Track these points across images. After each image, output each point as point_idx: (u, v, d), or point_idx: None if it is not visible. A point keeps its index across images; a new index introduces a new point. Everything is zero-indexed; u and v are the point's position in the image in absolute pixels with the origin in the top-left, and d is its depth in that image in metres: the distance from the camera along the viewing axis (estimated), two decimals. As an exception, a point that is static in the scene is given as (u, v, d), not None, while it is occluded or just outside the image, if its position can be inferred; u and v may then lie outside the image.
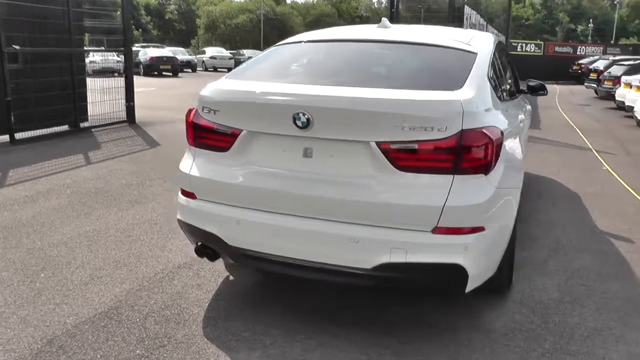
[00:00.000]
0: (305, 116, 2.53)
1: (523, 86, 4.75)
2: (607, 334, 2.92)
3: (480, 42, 3.34)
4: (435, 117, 2.47)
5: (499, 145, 2.63)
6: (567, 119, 12.56)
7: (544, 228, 4.61)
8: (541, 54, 32.48)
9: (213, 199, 2.84)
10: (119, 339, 2.72)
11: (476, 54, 3.08)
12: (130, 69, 9.66)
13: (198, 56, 35.77)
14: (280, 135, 2.68)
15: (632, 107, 10.26)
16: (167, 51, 27.90)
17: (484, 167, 2.55)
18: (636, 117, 9.45)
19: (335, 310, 3.07)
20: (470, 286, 2.64)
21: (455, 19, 13.62)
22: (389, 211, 2.51)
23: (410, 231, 2.51)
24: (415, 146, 2.48)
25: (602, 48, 33.99)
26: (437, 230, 2.50)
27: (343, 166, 2.61)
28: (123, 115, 9.63)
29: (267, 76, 3.03)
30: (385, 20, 3.62)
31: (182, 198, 3.00)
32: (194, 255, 3.74)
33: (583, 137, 9.83)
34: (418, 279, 2.61)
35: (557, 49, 34.18)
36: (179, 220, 3.04)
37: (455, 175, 2.50)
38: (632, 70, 14.28)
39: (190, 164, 2.95)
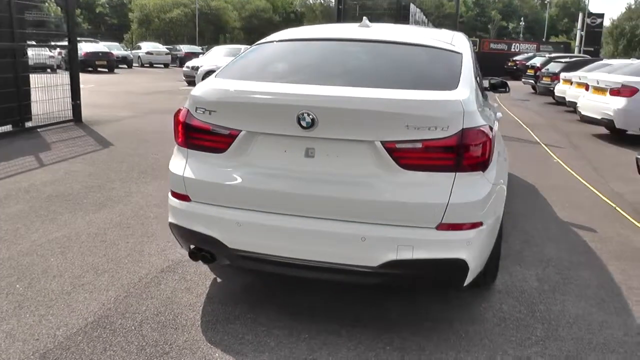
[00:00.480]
0: (310, 116, 2.52)
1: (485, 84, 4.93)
2: (589, 319, 3.09)
3: (461, 42, 3.43)
4: (438, 117, 2.53)
5: (492, 143, 2.72)
6: (511, 114, 13.10)
7: (512, 220, 4.80)
8: (477, 50, 33.65)
9: (210, 201, 2.78)
10: (118, 348, 2.61)
11: (461, 54, 3.16)
12: (76, 65, 9.24)
13: (134, 51, 34.63)
14: (281, 135, 2.66)
15: (574, 103, 10.84)
16: (102, 46, 26.81)
17: (482, 164, 2.63)
18: (579, 112, 9.99)
19: (333, 309, 3.08)
20: (468, 279, 2.73)
21: (401, 17, 13.86)
22: (394, 209, 2.55)
23: (415, 228, 2.56)
24: (420, 145, 2.53)
25: (535, 45, 35.63)
26: (440, 226, 2.56)
27: (346, 166, 2.62)
28: (69, 114, 9.19)
29: (262, 76, 2.98)
30: (365, 19, 3.65)
31: (174, 200, 2.91)
32: (175, 258, 3.71)
33: (530, 131, 10.29)
34: (423, 274, 2.66)
35: (492, 45, 35.49)
36: (171, 224, 2.95)
37: (457, 173, 2.57)
38: (570, 67, 15.06)
39: (183, 165, 2.86)
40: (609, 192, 5.89)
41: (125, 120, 9.97)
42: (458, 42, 3.41)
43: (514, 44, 36.31)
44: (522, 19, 77.18)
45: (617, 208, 5.30)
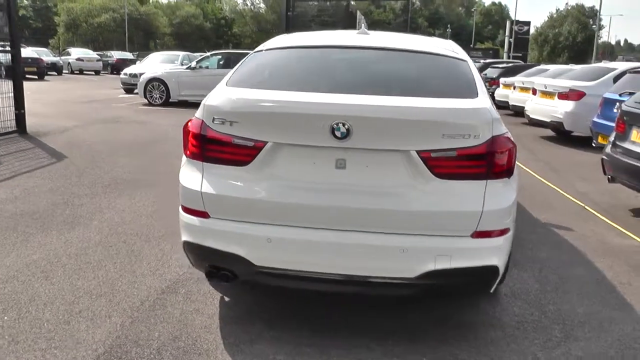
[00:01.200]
0: (346, 126, 2.44)
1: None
2: (598, 317, 3.19)
3: (460, 50, 3.47)
4: (471, 125, 2.52)
5: (516, 150, 2.75)
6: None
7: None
8: None
9: (234, 217, 2.63)
10: (143, 380, 2.41)
11: (466, 61, 3.19)
12: (19, 72, 8.62)
13: (63, 58, 32.96)
14: (311, 146, 2.56)
15: (519, 107, 11.34)
16: (30, 52, 25.29)
17: (508, 171, 2.65)
18: (527, 116, 10.45)
19: (354, 323, 3.00)
20: (496, 284, 2.74)
21: (349, 24, 14.01)
22: (432, 219, 2.52)
23: (452, 237, 2.54)
24: (454, 154, 2.51)
25: (465, 52, 37.05)
26: (475, 234, 2.55)
27: (379, 176, 2.56)
28: (11, 124, 8.56)
29: (281, 84, 2.84)
30: (364, 27, 3.62)
31: (188, 217, 2.74)
32: (171, 277, 3.51)
33: (481, 134, 10.63)
34: (458, 283, 2.64)
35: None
36: (186, 243, 2.76)
37: (487, 181, 2.57)
38: (507, 72, 15.78)
39: (199, 179, 2.70)
40: (575, 192, 6.17)
41: (71, 131, 9.42)
42: (457, 49, 3.44)
43: (445, 50, 37.51)
44: (448, 26, 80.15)
45: (586, 207, 5.56)
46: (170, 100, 13.81)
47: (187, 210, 2.74)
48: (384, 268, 2.54)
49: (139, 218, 4.71)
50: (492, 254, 2.60)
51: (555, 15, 59.77)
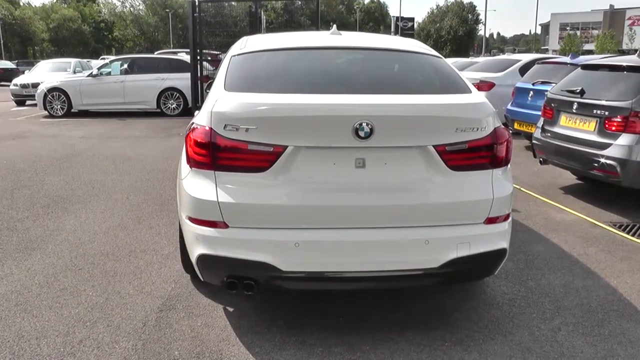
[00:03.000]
0: (369, 126, 2.49)
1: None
2: (575, 286, 3.53)
3: (428, 47, 3.65)
4: (479, 118, 2.69)
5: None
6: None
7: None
8: None
9: (257, 224, 2.59)
10: (187, 403, 2.31)
11: (441, 58, 3.38)
12: None
13: None
14: (330, 148, 2.58)
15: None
16: None
17: (506, 160, 2.86)
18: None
19: (368, 319, 3.07)
20: (500, 266, 2.94)
21: (254, 25, 13.97)
22: (451, 209, 2.65)
23: (469, 225, 2.69)
24: (466, 146, 2.66)
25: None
26: (487, 220, 2.73)
27: (398, 173, 2.64)
28: None
29: (286, 88, 2.80)
30: (334, 27, 3.68)
31: (202, 229, 2.64)
32: (162, 294, 3.39)
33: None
34: (474, 268, 2.79)
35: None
36: (202, 256, 2.65)
37: (493, 170, 2.76)
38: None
39: (213, 189, 2.61)
40: (507, 176, 6.67)
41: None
42: (426, 47, 3.62)
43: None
44: (330, 24, 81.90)
45: (522, 189, 6.04)
46: (72, 110, 12.91)
47: (200, 222, 2.65)
48: (409, 261, 2.63)
49: (97, 236, 4.42)
50: (502, 238, 2.79)
51: (435, 11, 63.53)
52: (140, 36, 58.35)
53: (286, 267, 2.57)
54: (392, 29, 44.84)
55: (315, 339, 2.81)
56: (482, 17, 59.83)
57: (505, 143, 2.81)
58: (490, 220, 2.74)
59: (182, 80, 12.53)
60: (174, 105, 12.89)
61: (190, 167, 2.72)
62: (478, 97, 2.83)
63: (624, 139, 4.89)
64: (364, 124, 2.49)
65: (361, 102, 2.60)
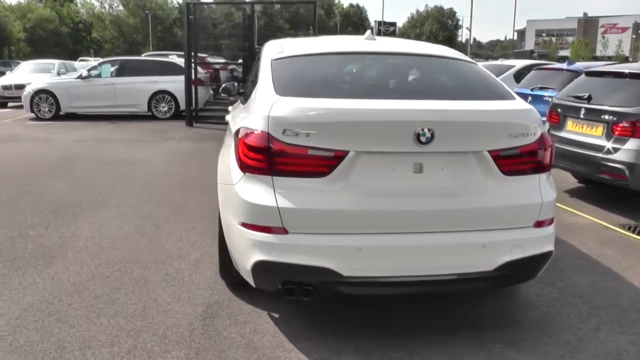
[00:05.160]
0: (431, 131, 2.52)
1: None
2: (603, 287, 3.63)
3: (460, 53, 3.71)
4: (529, 124, 2.75)
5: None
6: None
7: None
8: None
9: (318, 230, 2.59)
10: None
11: (476, 64, 3.44)
12: None
13: None
14: (390, 153, 2.61)
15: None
16: None
17: (550, 165, 2.93)
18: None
19: (419, 322, 3.12)
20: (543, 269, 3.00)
21: (247, 27, 13.96)
22: (505, 213, 2.71)
23: (522, 228, 2.75)
24: (517, 151, 2.72)
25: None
26: (537, 224, 2.80)
27: (454, 177, 2.69)
28: None
29: (341, 92, 2.85)
30: (369, 32, 3.71)
31: (262, 235, 2.62)
32: (200, 301, 3.36)
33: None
34: (524, 271, 2.85)
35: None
36: (259, 263, 2.64)
37: (540, 175, 2.83)
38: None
39: (271, 195, 2.61)
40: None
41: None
42: (458, 52, 3.68)
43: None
44: (310, 27, 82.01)
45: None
46: (60, 113, 12.66)
47: (257, 228, 2.63)
48: (466, 265, 2.67)
49: (117, 243, 4.35)
50: (549, 240, 2.86)
51: (416, 16, 64.32)
52: (119, 37, 57.41)
53: (348, 272, 2.58)
54: (375, 33, 45.12)
55: (369, 344, 2.82)
56: (462, 22, 60.77)
57: (550, 148, 2.88)
58: (539, 224, 2.80)
59: (173, 83, 12.39)
60: (165, 109, 12.73)
61: (244, 172, 2.71)
62: (524, 103, 2.89)
63: (632, 144, 5.04)
64: (426, 130, 2.52)
65: (423, 108, 2.63)
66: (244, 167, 2.70)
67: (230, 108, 6.44)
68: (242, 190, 2.70)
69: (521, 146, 2.72)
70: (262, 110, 2.68)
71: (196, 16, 12.03)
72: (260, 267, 2.66)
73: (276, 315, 3.16)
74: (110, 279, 3.67)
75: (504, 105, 2.81)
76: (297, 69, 3.14)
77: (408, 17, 67.85)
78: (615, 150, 5.13)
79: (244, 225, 2.69)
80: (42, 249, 4.21)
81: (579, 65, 8.38)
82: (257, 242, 2.63)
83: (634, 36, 54.93)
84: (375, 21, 46.73)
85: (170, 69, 12.82)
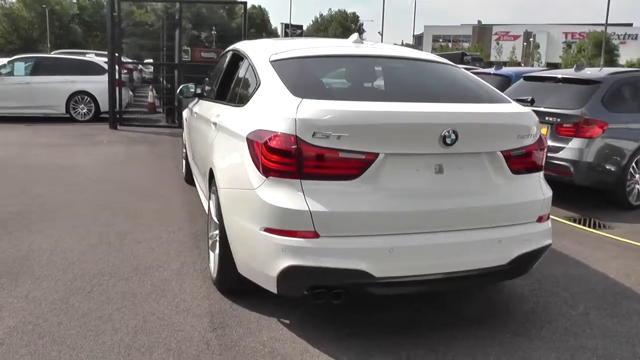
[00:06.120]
0: (455, 133, 2.62)
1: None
2: (572, 274, 3.94)
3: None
4: (533, 125, 2.95)
5: None
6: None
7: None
8: (189, 59, 34.04)
9: (349, 232, 2.60)
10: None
11: (461, 68, 3.62)
12: None
13: None
14: (416, 154, 2.67)
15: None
16: None
17: (544, 163, 3.14)
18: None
19: (426, 320, 3.20)
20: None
21: (172, 27, 13.57)
22: (517, 209, 2.88)
23: (527, 224, 2.94)
24: (523, 151, 2.90)
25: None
26: (539, 219, 3.00)
27: (471, 177, 2.81)
28: None
29: (356, 95, 2.87)
30: (356, 35, 3.75)
31: (291, 240, 2.58)
32: (201, 311, 3.27)
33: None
34: (527, 263, 3.02)
35: (203, 54, 36.34)
36: (290, 268, 2.59)
37: (539, 173, 3.04)
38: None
39: (301, 198, 2.57)
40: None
41: None
42: (439, 57, 3.84)
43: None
44: (213, 28, 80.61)
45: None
46: (-35, 114, 11.48)
47: (286, 233, 2.59)
48: (486, 260, 2.80)
49: (85, 255, 4.04)
50: (548, 234, 3.08)
51: (320, 20, 65.42)
52: (12, 32, 52.85)
53: (380, 273, 2.61)
54: (282, 35, 45.44)
55: (391, 345, 2.85)
56: (365, 26, 62.60)
57: (545, 149, 3.10)
58: (540, 219, 3.00)
59: (93, 84, 11.68)
60: (84, 110, 11.95)
61: (266, 176, 2.65)
62: (523, 107, 3.08)
63: (575, 143, 5.51)
64: (451, 132, 2.61)
65: (450, 111, 2.73)
66: (267, 171, 2.64)
67: (185, 113, 6.21)
68: (266, 195, 2.64)
69: (526, 146, 2.91)
70: (283, 112, 2.63)
71: (121, 13, 11.42)
72: (289, 273, 2.61)
73: (287, 321, 3.11)
74: (92, 293, 3.42)
75: (509, 108, 2.99)
76: (306, 71, 3.12)
77: (312, 21, 68.97)
78: (560, 149, 5.57)
79: (269, 230, 2.63)
80: (1, 265, 3.82)
81: (507, 70, 8.98)
82: (287, 247, 2.58)
83: (525, 43, 59.69)
84: (282, 23, 47.08)
85: (89, 69, 12.06)
